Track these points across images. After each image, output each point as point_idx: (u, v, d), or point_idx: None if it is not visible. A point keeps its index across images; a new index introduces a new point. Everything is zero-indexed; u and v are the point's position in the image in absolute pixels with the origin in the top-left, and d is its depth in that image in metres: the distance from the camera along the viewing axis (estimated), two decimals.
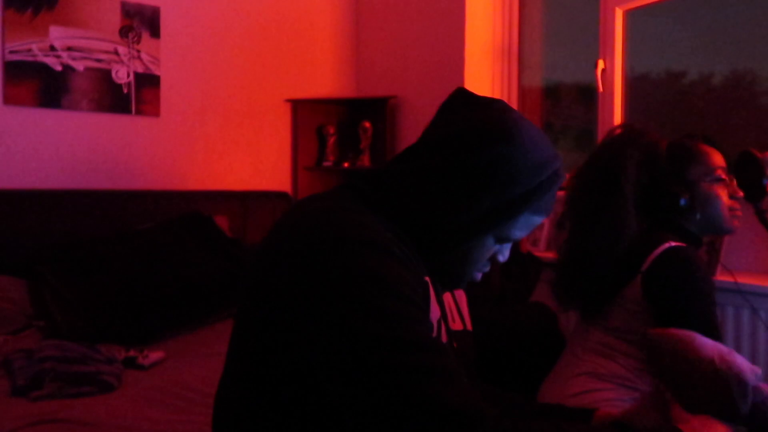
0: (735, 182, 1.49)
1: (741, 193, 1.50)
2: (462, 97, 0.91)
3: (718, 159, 1.45)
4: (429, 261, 0.88)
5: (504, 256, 0.91)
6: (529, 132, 0.84)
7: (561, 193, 1.59)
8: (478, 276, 0.93)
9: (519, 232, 0.88)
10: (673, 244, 1.33)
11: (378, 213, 0.84)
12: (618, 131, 1.48)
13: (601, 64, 2.50)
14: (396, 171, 0.88)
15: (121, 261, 2.21)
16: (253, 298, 0.82)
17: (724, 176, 1.44)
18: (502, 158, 0.81)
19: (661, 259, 1.31)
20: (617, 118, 2.49)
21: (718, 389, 0.90)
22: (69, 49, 2.60)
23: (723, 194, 1.44)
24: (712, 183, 1.42)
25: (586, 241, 1.40)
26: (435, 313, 0.87)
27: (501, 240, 0.88)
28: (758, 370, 0.93)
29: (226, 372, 0.90)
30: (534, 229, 2.53)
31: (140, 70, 2.78)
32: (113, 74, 2.72)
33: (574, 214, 1.47)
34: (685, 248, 1.33)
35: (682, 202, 1.39)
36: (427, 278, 0.86)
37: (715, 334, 1.29)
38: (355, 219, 0.79)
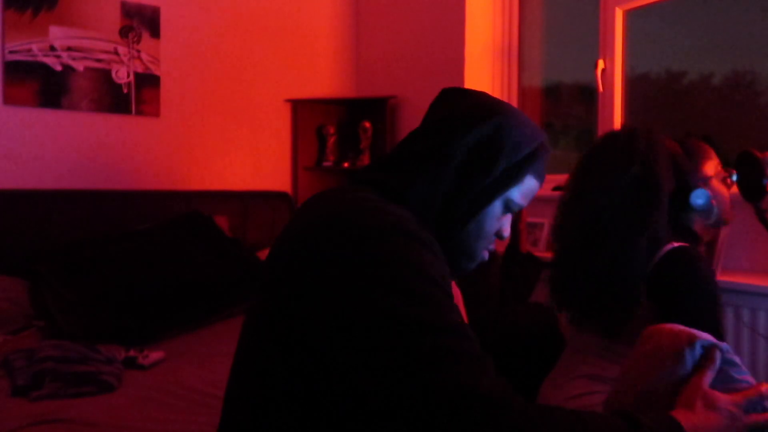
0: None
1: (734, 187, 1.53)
2: (451, 91, 1.00)
3: (716, 154, 1.49)
4: (443, 246, 0.89)
5: (507, 231, 0.98)
6: (515, 109, 0.98)
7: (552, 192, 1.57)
8: (486, 255, 0.97)
9: (522, 198, 0.95)
10: (676, 244, 1.33)
11: (397, 202, 0.85)
12: (628, 137, 1.38)
13: (601, 64, 2.50)
14: (408, 156, 0.92)
15: (121, 261, 2.21)
16: (277, 291, 0.81)
17: (723, 171, 1.49)
18: (505, 126, 0.92)
19: (666, 259, 1.30)
20: (617, 118, 2.49)
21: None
22: (69, 49, 2.61)
23: (725, 188, 1.48)
24: (719, 177, 1.46)
25: (617, 258, 1.31)
26: (457, 300, 0.88)
27: (508, 207, 0.94)
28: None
29: (238, 370, 0.89)
30: (534, 230, 2.50)
31: (140, 70, 2.78)
32: (113, 74, 2.72)
33: (594, 227, 1.36)
34: (689, 248, 1.33)
35: (709, 197, 1.39)
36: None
37: (718, 337, 1.28)
38: (380, 207, 0.80)
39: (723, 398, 0.82)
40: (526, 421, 0.69)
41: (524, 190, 0.95)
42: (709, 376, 0.85)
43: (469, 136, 0.90)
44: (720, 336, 1.29)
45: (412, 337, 0.69)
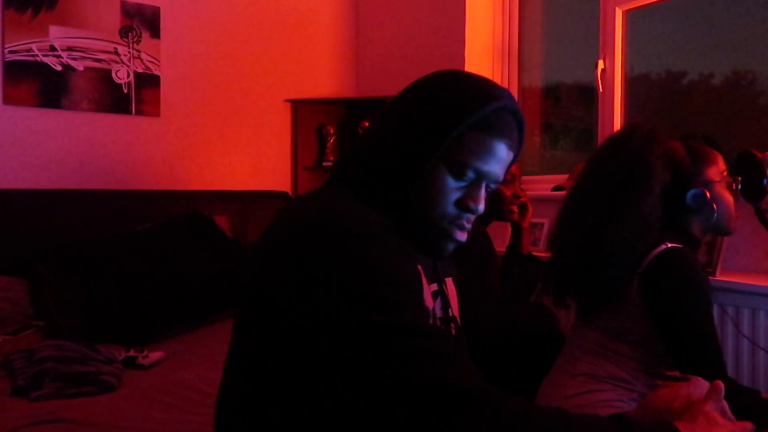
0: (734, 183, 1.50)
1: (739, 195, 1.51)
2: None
3: (722, 160, 1.47)
4: (411, 230, 0.88)
5: (475, 201, 0.88)
6: (465, 73, 0.93)
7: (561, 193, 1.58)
8: (459, 235, 0.89)
9: (477, 160, 0.86)
10: (671, 245, 1.33)
11: (367, 200, 0.86)
12: (635, 130, 1.41)
13: (601, 64, 2.50)
14: (359, 144, 0.95)
15: (121, 261, 2.21)
16: (252, 296, 0.83)
17: (729, 177, 1.46)
18: (438, 84, 0.89)
19: (659, 259, 1.31)
20: (617, 118, 2.48)
21: None
22: (69, 49, 2.61)
23: (730, 195, 1.45)
24: (724, 183, 1.44)
25: (603, 240, 1.34)
26: (428, 302, 0.88)
27: (458, 171, 0.87)
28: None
29: (226, 371, 0.91)
30: (534, 230, 2.50)
31: (140, 70, 2.78)
32: (113, 74, 2.72)
33: (584, 214, 1.40)
34: (682, 249, 1.33)
35: (704, 197, 1.38)
36: (419, 267, 0.87)
37: (710, 337, 1.29)
38: (347, 212, 0.80)
39: (723, 421, 0.83)
40: (506, 412, 0.70)
41: (475, 149, 0.85)
42: (710, 406, 0.86)
43: (402, 101, 0.91)
44: (713, 337, 1.29)
45: (385, 341, 0.71)
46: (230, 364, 0.90)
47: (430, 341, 0.73)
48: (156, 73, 2.83)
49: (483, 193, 0.90)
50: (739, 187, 1.51)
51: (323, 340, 0.74)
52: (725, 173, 1.45)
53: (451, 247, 0.91)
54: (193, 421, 1.44)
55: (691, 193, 1.38)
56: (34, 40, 2.53)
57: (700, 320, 1.29)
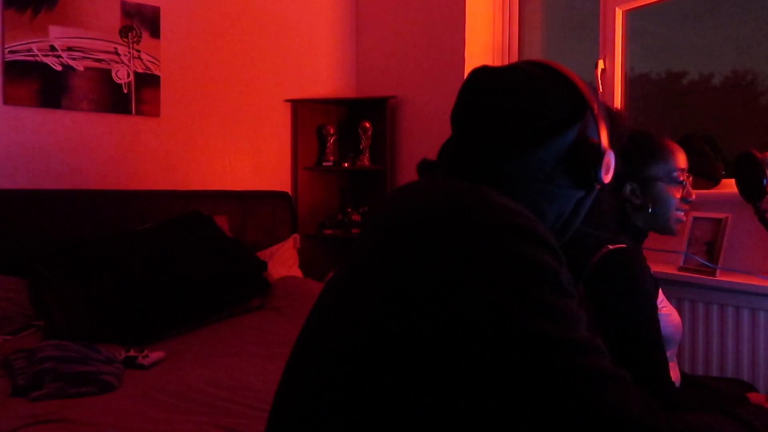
0: (690, 184, 1.44)
1: (694, 196, 1.44)
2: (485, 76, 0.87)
3: (681, 159, 1.40)
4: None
5: None
6: None
7: None
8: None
9: None
10: (611, 247, 1.26)
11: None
12: None
13: (601, 64, 2.50)
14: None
15: (121, 261, 2.21)
16: (379, 293, 0.71)
17: (682, 178, 1.39)
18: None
19: (602, 262, 1.25)
20: None
21: None
22: (69, 49, 2.61)
23: (677, 196, 1.39)
24: (670, 184, 1.38)
25: None
26: None
27: None
28: None
29: (306, 377, 0.77)
30: None
31: (140, 70, 2.78)
32: (113, 74, 2.72)
33: None
34: (624, 251, 1.27)
35: (636, 193, 1.35)
36: None
37: (654, 345, 1.23)
38: (511, 206, 0.71)
39: None
40: None
41: None
42: None
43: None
44: (657, 345, 1.22)
45: (554, 354, 0.63)
46: (314, 369, 0.75)
47: (602, 359, 0.65)
48: (156, 73, 2.83)
49: None
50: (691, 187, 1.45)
51: (481, 346, 0.64)
52: (678, 173, 1.38)
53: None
54: (194, 420, 1.44)
55: (626, 186, 1.37)
56: (34, 40, 2.53)
57: (641, 326, 1.23)
